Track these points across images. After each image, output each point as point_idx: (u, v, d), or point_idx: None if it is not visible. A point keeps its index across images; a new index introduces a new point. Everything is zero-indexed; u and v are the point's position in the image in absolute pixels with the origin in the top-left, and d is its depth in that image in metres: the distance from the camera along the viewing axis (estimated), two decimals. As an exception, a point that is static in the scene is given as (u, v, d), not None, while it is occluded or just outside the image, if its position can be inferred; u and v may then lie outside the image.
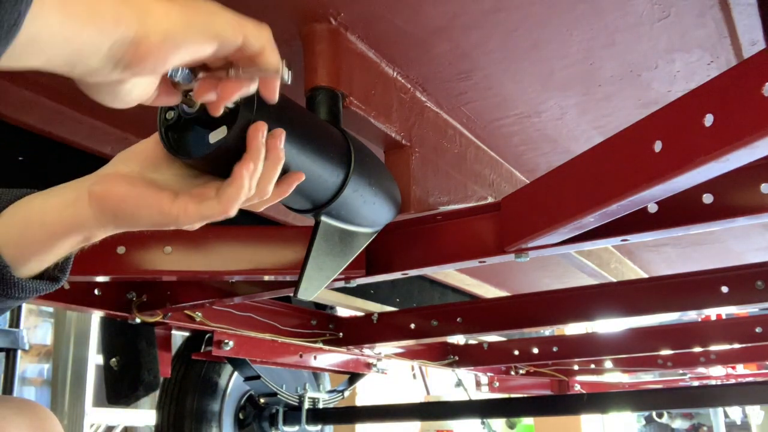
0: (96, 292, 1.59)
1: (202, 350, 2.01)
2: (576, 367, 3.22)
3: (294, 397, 2.39)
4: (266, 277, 1.30)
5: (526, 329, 2.13)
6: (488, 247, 1.16)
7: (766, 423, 5.84)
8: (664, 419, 6.77)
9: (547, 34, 1.13)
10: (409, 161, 1.19)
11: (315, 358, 2.27)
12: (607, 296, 1.78)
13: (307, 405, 2.41)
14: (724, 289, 1.60)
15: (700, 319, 3.02)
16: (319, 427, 2.51)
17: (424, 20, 1.08)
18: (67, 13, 0.46)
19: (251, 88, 0.62)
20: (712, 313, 2.20)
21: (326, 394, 2.57)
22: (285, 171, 0.73)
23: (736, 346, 2.27)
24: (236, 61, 0.59)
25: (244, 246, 1.27)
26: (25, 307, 3.22)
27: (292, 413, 2.40)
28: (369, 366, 2.59)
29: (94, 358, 3.86)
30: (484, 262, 1.18)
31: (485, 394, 3.28)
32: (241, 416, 2.39)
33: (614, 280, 1.91)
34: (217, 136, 0.68)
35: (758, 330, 2.14)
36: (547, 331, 3.04)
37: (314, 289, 1.00)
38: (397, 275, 1.30)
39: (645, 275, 2.42)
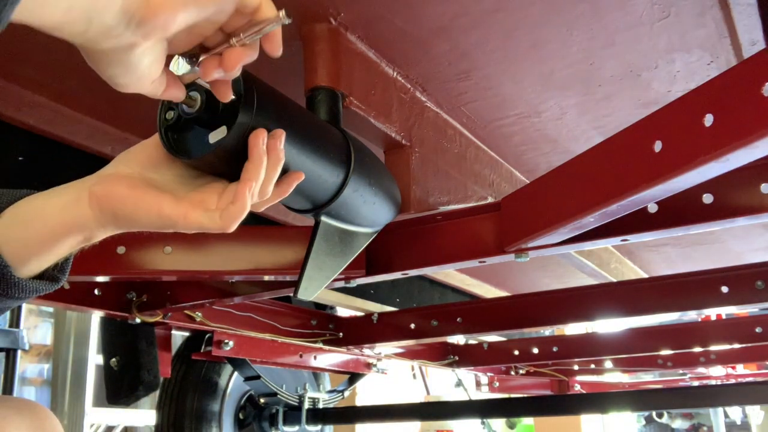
0: (96, 292, 1.59)
1: (202, 350, 2.01)
2: (576, 367, 3.22)
3: (294, 397, 2.39)
4: (266, 277, 1.30)
5: (526, 329, 2.13)
6: (488, 247, 1.16)
7: (766, 423, 5.83)
8: (664, 419, 6.78)
9: (547, 34, 1.13)
10: (409, 161, 1.19)
11: (315, 358, 2.27)
12: (607, 296, 1.78)
13: (307, 405, 2.41)
14: (724, 289, 1.60)
15: (700, 319, 3.02)
16: (319, 427, 2.50)
17: (424, 20, 1.08)
18: None
19: (253, 54, 0.62)
20: (712, 313, 2.19)
21: (326, 394, 2.57)
22: (285, 171, 0.73)
23: (736, 346, 2.27)
24: (235, 30, 0.60)
25: (244, 246, 1.27)
26: (25, 307, 3.22)
27: (292, 413, 2.40)
28: (369, 366, 2.59)
29: (94, 358, 3.86)
30: (484, 262, 1.18)
31: (485, 394, 3.28)
32: (241, 416, 2.39)
33: (614, 280, 1.91)
34: (217, 136, 0.68)
35: (758, 330, 2.14)
36: (547, 331, 3.04)
37: (314, 289, 1.00)
38: (397, 275, 1.30)
39: (645, 275, 2.42)
